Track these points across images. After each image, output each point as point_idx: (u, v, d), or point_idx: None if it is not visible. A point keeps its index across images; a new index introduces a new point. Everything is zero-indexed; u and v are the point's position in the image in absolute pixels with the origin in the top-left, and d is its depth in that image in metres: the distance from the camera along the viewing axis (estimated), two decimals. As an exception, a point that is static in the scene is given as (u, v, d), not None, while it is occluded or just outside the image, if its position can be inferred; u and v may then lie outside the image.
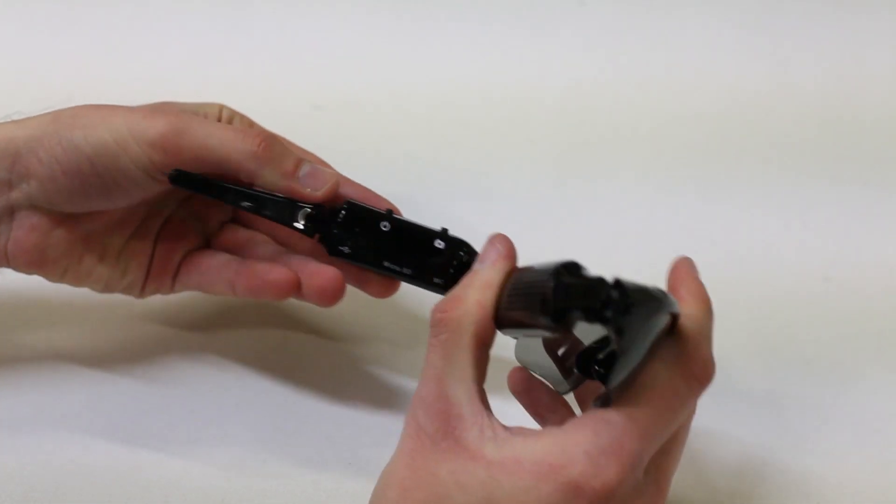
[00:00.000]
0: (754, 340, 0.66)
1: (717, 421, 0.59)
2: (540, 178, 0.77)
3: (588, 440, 0.42)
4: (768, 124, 0.82)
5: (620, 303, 0.39)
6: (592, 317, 0.40)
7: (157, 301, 0.60)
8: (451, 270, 0.54)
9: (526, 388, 0.52)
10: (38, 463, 0.56)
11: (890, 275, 0.71)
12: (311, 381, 0.61)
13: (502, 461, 0.42)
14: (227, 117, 0.58)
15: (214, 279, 0.58)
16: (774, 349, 0.65)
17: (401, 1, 0.87)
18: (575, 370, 0.48)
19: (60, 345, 0.62)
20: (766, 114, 0.83)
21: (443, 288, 0.54)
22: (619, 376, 0.42)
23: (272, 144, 0.53)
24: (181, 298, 0.61)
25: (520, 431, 0.44)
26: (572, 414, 0.51)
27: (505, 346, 0.49)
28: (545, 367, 0.49)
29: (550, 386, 0.50)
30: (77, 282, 0.57)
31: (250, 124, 0.58)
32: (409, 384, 0.61)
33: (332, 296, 0.55)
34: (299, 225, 0.55)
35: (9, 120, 0.55)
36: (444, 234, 0.55)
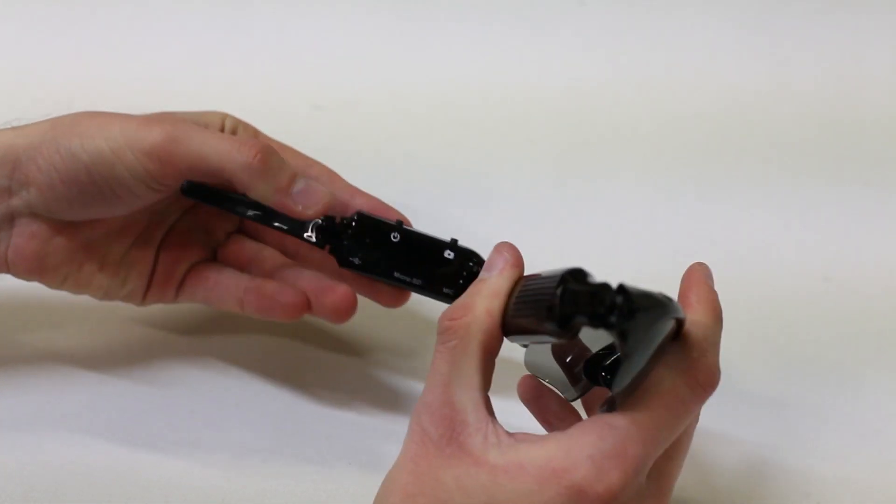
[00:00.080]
0: (754, 340, 0.66)
1: (717, 421, 0.58)
2: (540, 178, 0.77)
3: (592, 444, 0.42)
4: (768, 124, 0.82)
5: (624, 307, 0.39)
6: (597, 322, 0.40)
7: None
8: (461, 281, 0.54)
9: (535, 396, 0.52)
10: (38, 463, 0.56)
11: (890, 275, 0.71)
12: (311, 382, 0.61)
13: (506, 466, 0.42)
14: (230, 127, 0.57)
15: (223, 295, 0.57)
16: (774, 349, 0.65)
17: (401, 1, 0.87)
18: (583, 377, 0.48)
19: (61, 345, 0.62)
20: (766, 114, 0.83)
21: (452, 298, 0.54)
22: (623, 381, 0.42)
23: (268, 157, 0.52)
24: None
25: (524, 438, 0.44)
26: (580, 421, 0.51)
27: (510, 351, 0.49)
28: (553, 374, 0.49)
29: (559, 393, 0.50)
30: (77, 289, 0.57)
31: (255, 134, 0.58)
32: (409, 385, 0.61)
33: (345, 313, 0.55)
34: (310, 236, 0.55)
35: (8, 127, 0.54)
36: (453, 244, 0.55)
